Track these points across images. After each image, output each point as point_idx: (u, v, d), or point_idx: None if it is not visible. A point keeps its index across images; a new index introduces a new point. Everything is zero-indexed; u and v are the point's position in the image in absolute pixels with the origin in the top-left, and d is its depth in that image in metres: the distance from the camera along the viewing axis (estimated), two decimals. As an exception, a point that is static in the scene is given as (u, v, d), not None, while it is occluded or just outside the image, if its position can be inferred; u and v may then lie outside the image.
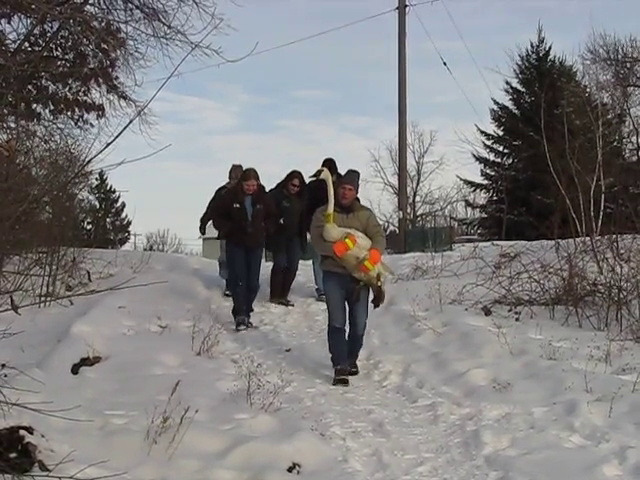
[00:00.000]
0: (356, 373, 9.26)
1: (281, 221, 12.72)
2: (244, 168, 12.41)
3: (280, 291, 13.30)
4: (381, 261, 9.18)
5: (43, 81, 17.97)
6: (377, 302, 9.30)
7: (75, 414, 5.36)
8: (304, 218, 12.24)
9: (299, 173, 13.01)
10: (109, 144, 4.69)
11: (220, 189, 13.52)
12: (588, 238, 13.52)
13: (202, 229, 13.75)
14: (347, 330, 9.30)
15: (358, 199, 9.42)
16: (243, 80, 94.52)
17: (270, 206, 12.08)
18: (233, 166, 13.67)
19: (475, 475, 6.25)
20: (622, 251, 12.52)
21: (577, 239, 13.88)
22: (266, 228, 12.05)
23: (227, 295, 13.15)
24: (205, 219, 13.55)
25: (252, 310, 12.05)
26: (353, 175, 9.33)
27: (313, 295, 13.56)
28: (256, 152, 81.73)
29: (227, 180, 13.72)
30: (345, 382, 8.86)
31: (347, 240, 8.78)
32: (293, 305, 13.03)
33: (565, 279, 11.60)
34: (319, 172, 9.54)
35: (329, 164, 12.40)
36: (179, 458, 6.05)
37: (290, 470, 6.21)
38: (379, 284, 9.12)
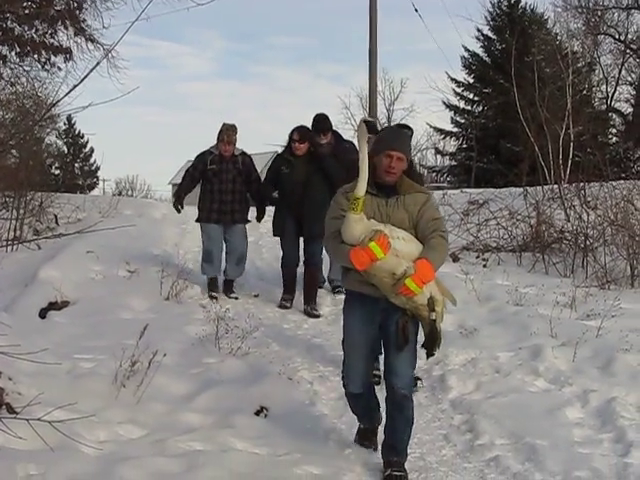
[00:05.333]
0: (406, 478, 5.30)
1: (275, 194, 9.90)
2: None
3: (294, 288, 9.92)
4: (436, 280, 5.28)
5: (9, 22, 17.65)
6: (430, 347, 5.37)
7: (43, 357, 5.34)
8: None
9: (301, 126, 9.58)
10: (76, 86, 4.64)
11: (202, 154, 10.18)
12: (556, 186, 13.62)
13: (178, 203, 10.37)
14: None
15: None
16: (219, 26, 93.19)
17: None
18: (224, 126, 10.07)
19: (440, 418, 6.36)
20: (589, 199, 12.62)
21: (545, 187, 14.00)
22: None
23: (235, 299, 10.09)
24: (181, 191, 10.38)
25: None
26: (404, 136, 5.47)
27: None
28: (232, 99, 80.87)
29: (214, 143, 10.16)
30: (369, 447, 5.78)
31: (372, 244, 5.01)
32: (319, 316, 9.39)
33: (533, 226, 11.71)
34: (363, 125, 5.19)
35: (318, 124, 9.75)
36: (147, 401, 6.09)
37: (257, 413, 6.28)
38: (433, 317, 5.25)
